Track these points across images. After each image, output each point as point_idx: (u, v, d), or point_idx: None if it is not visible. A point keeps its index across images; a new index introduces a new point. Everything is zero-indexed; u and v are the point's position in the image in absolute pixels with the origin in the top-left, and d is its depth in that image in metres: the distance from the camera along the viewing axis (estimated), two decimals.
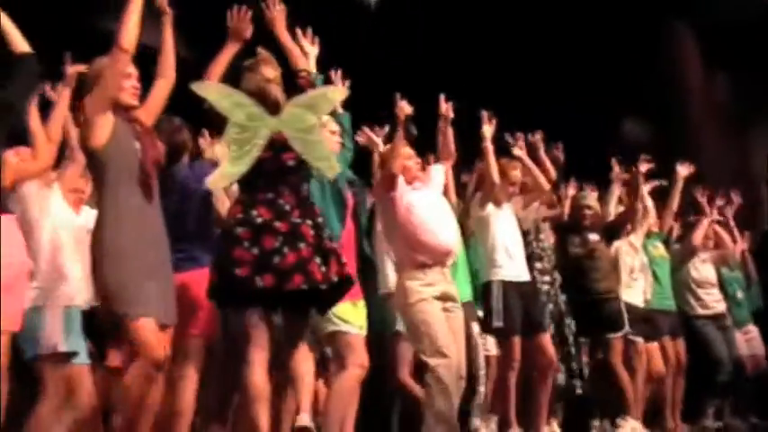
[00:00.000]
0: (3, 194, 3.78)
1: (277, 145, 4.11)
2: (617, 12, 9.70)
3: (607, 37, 9.69)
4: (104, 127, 3.78)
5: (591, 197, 6.84)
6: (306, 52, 4.73)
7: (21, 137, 4.18)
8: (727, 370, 7.29)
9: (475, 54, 9.45)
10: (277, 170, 4.10)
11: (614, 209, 6.99)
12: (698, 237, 7.43)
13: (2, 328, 3.67)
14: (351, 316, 4.70)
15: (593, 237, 6.67)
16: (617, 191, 7.04)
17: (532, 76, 9.57)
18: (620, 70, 9.88)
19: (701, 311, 7.44)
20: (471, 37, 9.54)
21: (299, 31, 4.79)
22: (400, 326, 5.59)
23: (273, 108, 4.14)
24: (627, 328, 6.51)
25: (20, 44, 3.76)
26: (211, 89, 4.09)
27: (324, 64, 4.92)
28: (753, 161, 10.58)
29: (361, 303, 4.93)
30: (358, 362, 4.70)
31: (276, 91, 4.19)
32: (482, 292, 5.99)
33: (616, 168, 6.98)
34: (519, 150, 6.22)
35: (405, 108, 5.16)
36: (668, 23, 10.52)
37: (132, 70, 3.91)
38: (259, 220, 3.99)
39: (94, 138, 3.78)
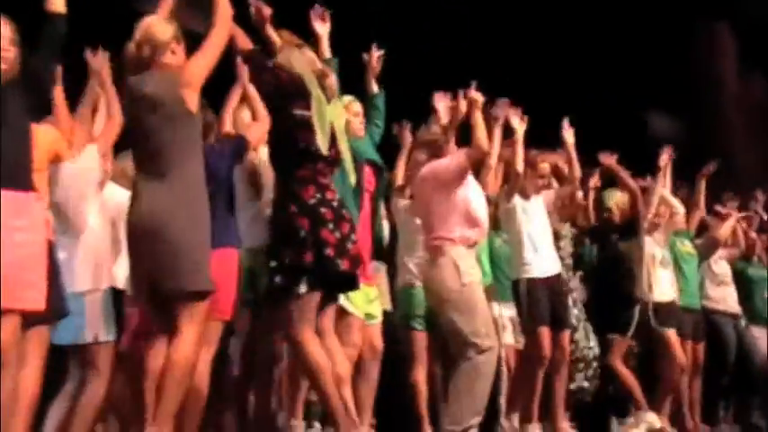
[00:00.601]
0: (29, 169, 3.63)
1: (332, 133, 4.20)
2: (653, 8, 9.62)
3: (643, 33, 9.64)
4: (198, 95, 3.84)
5: (613, 196, 6.74)
6: (318, 34, 4.69)
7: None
8: (730, 373, 7.32)
9: (507, 46, 9.42)
10: (333, 158, 4.21)
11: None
12: (724, 232, 7.42)
13: (6, 306, 3.45)
14: (357, 298, 4.73)
15: (616, 237, 6.64)
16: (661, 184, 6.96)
17: (567, 71, 9.53)
18: (655, 66, 9.81)
19: (720, 307, 7.42)
20: (506, 28, 9.51)
21: (311, 13, 4.73)
22: (417, 323, 5.62)
23: (329, 98, 4.25)
24: (629, 334, 6.47)
25: (57, 2, 3.60)
26: (300, 59, 4.20)
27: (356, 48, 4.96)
28: None
29: (373, 290, 4.97)
30: (351, 342, 4.73)
31: (334, 83, 4.31)
32: (512, 288, 6.01)
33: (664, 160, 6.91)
34: (569, 136, 6.19)
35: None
36: (705, 21, 10.42)
37: None
38: (335, 203, 4.12)
39: (194, 103, 3.79)
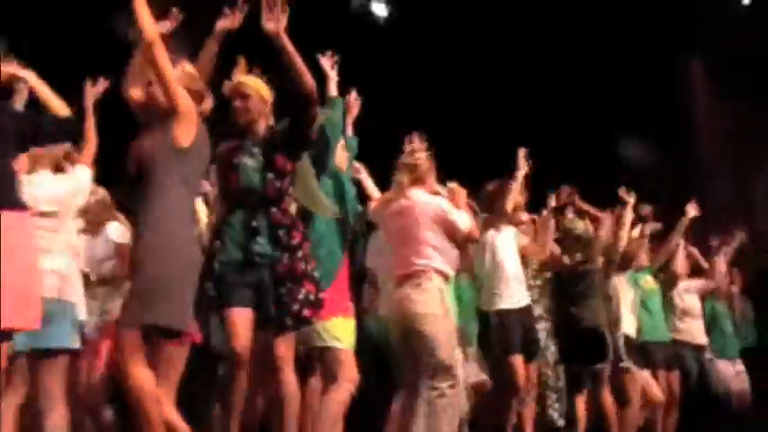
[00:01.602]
0: None
1: None
2: (630, 43, 9.71)
3: (621, 68, 9.71)
4: None
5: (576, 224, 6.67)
6: (329, 76, 4.94)
7: None
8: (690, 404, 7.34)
9: (488, 74, 9.49)
10: None
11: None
12: (680, 265, 7.46)
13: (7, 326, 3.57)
14: (342, 332, 4.71)
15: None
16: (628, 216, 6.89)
17: (545, 103, 9.59)
18: (632, 98, 9.89)
19: (684, 338, 7.48)
20: (485, 56, 9.57)
21: (321, 57, 4.97)
22: None
23: None
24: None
25: (60, 108, 3.90)
26: None
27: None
28: (757, 195, 10.56)
29: (352, 321, 4.93)
30: (349, 377, 4.69)
31: None
32: (481, 319, 6.02)
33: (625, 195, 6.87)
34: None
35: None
36: (680, 57, 10.54)
37: None
38: None
39: None
